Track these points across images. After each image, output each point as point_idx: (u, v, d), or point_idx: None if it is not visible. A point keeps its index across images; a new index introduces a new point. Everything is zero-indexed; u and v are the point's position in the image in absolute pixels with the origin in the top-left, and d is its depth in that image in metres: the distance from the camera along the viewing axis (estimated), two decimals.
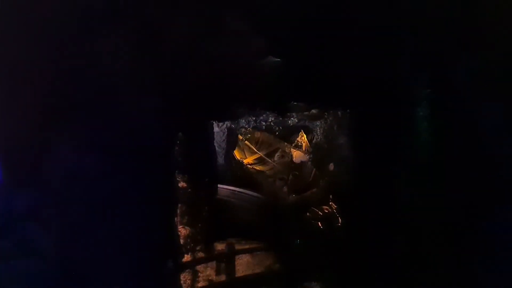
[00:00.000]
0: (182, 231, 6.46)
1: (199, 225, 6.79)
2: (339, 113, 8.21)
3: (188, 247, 6.17)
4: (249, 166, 11.60)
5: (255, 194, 8.55)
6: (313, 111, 9.14)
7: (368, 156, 7.64)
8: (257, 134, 11.86)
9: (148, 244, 5.47)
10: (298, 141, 11.32)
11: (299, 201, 9.11)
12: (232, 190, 8.79)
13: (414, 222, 6.85)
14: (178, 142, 6.47)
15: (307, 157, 10.82)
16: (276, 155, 11.71)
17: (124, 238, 5.20)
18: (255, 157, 11.90)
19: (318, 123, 9.90)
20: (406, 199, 7.32)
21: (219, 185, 8.93)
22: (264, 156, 11.45)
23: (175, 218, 6.32)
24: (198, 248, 6.39)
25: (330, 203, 8.13)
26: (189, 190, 6.66)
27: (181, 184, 6.66)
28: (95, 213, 5.24)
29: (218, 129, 10.82)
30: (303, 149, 11.19)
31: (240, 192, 8.75)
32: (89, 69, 5.09)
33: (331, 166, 8.77)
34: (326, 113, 9.10)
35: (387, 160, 7.47)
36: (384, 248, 6.76)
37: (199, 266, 6.20)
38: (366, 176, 7.63)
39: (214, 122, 10.30)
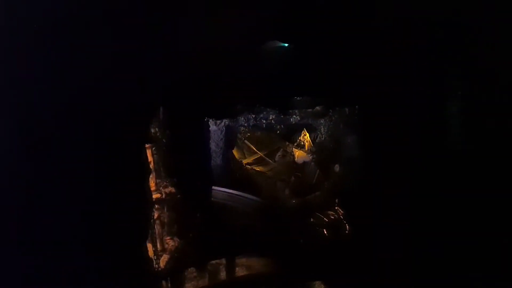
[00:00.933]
0: (170, 243, 5.81)
1: (191, 235, 6.16)
2: (346, 109, 7.51)
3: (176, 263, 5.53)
4: (248, 166, 10.91)
5: (254, 198, 7.87)
6: (318, 108, 8.46)
7: (377, 156, 6.98)
8: (257, 133, 11.23)
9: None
10: (300, 140, 10.64)
11: (302, 205, 8.43)
12: (229, 193, 8.14)
13: (428, 229, 6.12)
14: (165, 141, 5.84)
15: (310, 157, 10.13)
16: (277, 155, 10.85)
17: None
18: (255, 157, 11.19)
19: (322, 121, 9.21)
20: (417, 203, 6.67)
21: (215, 188, 8.27)
22: (264, 156, 10.57)
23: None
24: (188, 263, 5.74)
25: (336, 208, 7.46)
26: (179, 196, 6.02)
27: (169, 189, 6.02)
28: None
29: (216, 127, 10.14)
30: (306, 148, 10.51)
31: (238, 195, 8.09)
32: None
33: (337, 168, 8.10)
34: (331, 110, 8.41)
35: (398, 161, 6.80)
36: (394, 257, 6.25)
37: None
38: (376, 179, 6.97)
39: (210, 120, 9.63)
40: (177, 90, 5.78)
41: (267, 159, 11.73)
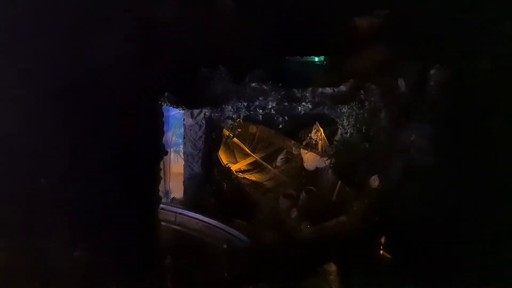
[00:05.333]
0: None
1: None
2: (394, 88, 4.47)
3: None
4: (239, 174, 8.07)
5: (242, 236, 4.89)
6: (342, 87, 5.51)
7: (445, 165, 4.04)
8: (252, 128, 8.67)
9: None
10: (311, 137, 7.82)
11: (318, 237, 5.54)
12: (206, 223, 5.18)
13: None
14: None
15: (326, 162, 7.19)
16: (279, 158, 8.39)
17: None
18: (249, 161, 8.56)
19: (345, 108, 6.23)
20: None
21: (183, 212, 5.34)
22: (260, 160, 8.26)
23: None
24: None
25: (382, 251, 4.46)
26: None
27: None
28: None
29: (192, 120, 7.23)
30: (319, 150, 7.62)
31: (218, 227, 5.12)
32: None
33: (375, 181, 5.11)
34: (363, 92, 5.46)
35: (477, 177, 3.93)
36: None
37: None
38: (442, 200, 4.06)
39: (184, 110, 6.70)
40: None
41: (265, 164, 9.04)
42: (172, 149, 10.01)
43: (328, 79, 5.47)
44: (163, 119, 4.19)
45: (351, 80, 5.36)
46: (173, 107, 6.01)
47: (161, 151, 4.21)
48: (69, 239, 4.11)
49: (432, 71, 3.65)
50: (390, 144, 4.56)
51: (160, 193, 9.90)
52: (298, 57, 5.78)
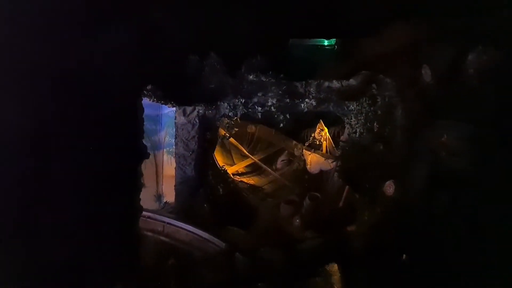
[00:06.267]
0: None
1: None
2: (416, 78, 3.82)
3: None
4: (236, 177, 7.47)
5: (239, 255, 4.25)
6: (352, 81, 4.89)
7: (485, 172, 3.41)
8: (250, 128, 8.16)
9: None
10: (314, 137, 7.20)
11: (323, 249, 4.94)
12: (197, 235, 4.54)
13: None
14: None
15: (332, 164, 6.58)
16: (280, 160, 7.89)
17: None
18: (247, 163, 7.98)
19: (353, 106, 5.62)
20: None
21: (172, 222, 4.72)
22: (259, 162, 7.66)
23: None
24: None
25: (400, 268, 3.84)
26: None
27: None
28: None
29: (184, 118, 6.64)
30: (324, 151, 7.03)
31: (210, 241, 4.48)
32: None
33: (389, 187, 4.48)
34: (375, 85, 4.83)
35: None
36: None
37: None
38: (480, 213, 3.43)
39: (176, 108, 6.12)
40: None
41: (264, 166, 8.39)
42: (165, 150, 9.44)
43: (339, 68, 4.79)
44: (143, 116, 3.58)
45: (363, 72, 4.71)
46: (161, 103, 5.36)
47: (142, 154, 3.59)
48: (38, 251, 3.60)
49: (471, 56, 2.99)
50: (409, 145, 3.91)
51: (153, 197, 9.35)
52: (303, 40, 5.02)
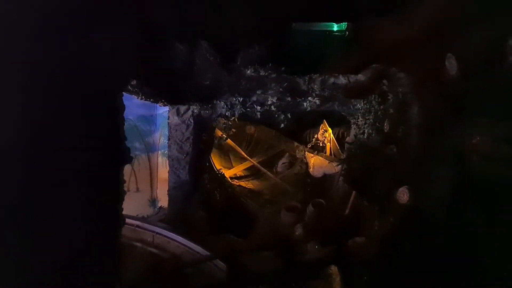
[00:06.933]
0: None
1: None
2: (439, 71, 3.36)
3: None
4: (234, 181, 7.04)
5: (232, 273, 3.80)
6: (360, 76, 4.44)
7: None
8: (249, 128, 7.87)
9: None
10: (318, 139, 6.81)
11: (328, 261, 4.49)
12: (188, 247, 4.09)
13: None
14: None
15: (337, 167, 6.13)
16: (280, 162, 7.57)
17: None
18: (245, 167, 7.67)
19: (361, 104, 5.18)
20: None
21: (162, 233, 4.28)
22: (258, 165, 7.29)
23: None
24: None
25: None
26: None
27: None
28: None
29: (178, 118, 6.19)
30: (328, 153, 6.58)
31: (202, 254, 4.02)
32: None
33: (403, 194, 4.01)
34: (385, 81, 4.38)
35: None
36: None
37: None
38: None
39: (168, 107, 5.66)
40: None
41: (263, 170, 7.94)
42: (159, 152, 8.99)
43: (348, 59, 4.32)
44: (124, 115, 3.14)
45: (373, 65, 4.25)
46: (150, 101, 4.91)
47: (123, 158, 3.15)
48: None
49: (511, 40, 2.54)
50: (428, 148, 3.45)
51: (147, 202, 8.90)
52: (309, 24, 4.49)
